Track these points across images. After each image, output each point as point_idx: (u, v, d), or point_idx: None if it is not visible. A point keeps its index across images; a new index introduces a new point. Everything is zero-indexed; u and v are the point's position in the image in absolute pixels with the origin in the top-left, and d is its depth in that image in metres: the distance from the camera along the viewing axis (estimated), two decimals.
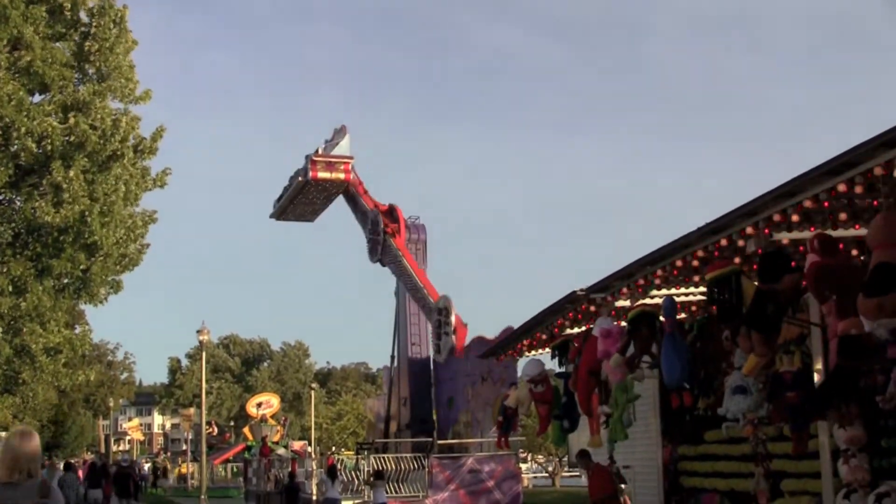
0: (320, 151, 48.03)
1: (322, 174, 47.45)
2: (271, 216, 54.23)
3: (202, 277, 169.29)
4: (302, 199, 50.50)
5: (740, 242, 10.74)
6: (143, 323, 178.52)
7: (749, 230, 10.44)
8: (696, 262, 11.85)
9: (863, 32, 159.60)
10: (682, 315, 15.94)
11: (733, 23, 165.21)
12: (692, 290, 13.98)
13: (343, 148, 48.01)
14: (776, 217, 9.98)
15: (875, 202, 9.29)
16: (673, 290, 13.79)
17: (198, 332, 45.54)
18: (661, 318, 13.37)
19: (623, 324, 15.17)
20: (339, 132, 48.73)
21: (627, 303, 14.52)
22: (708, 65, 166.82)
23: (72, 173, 25.16)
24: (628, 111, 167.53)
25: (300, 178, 48.43)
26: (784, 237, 10.69)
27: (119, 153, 26.20)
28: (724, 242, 11.04)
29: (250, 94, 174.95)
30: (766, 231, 10.29)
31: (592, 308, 15.03)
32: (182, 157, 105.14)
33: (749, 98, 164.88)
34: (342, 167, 47.64)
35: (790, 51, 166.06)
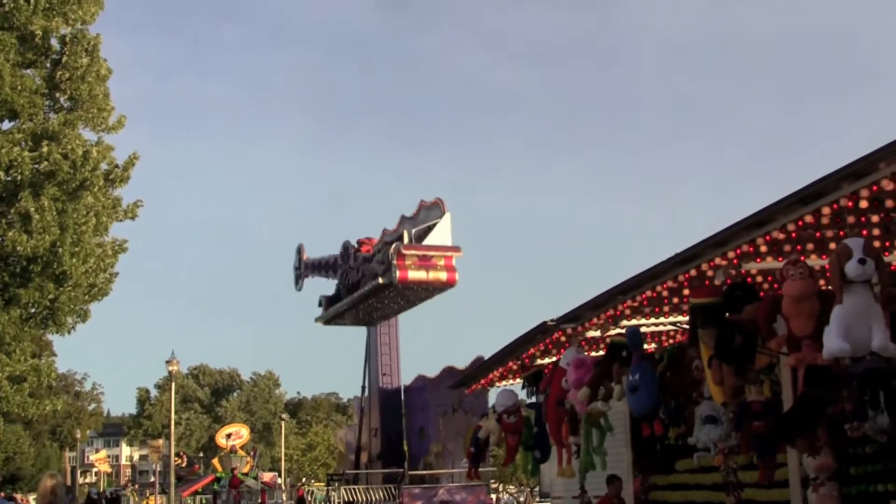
0: (406, 240, 35.95)
1: (414, 274, 35.59)
2: (317, 320, 44.10)
3: (171, 307, 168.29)
4: (373, 304, 39.10)
5: (709, 273, 10.84)
6: (111, 353, 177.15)
7: (718, 261, 10.54)
8: (665, 293, 11.95)
9: (834, 58, 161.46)
10: (653, 345, 16.03)
11: (704, 48, 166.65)
12: (662, 319, 14.05)
13: (442, 233, 36.05)
14: (745, 247, 10.08)
15: (841, 233, 9.41)
16: (643, 321, 13.86)
17: (167, 362, 45.28)
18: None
19: (594, 354, 15.25)
20: (432, 208, 36.72)
21: (598, 333, 14.59)
22: (678, 91, 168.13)
23: (43, 203, 25.01)
24: (599, 138, 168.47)
25: (380, 280, 36.35)
26: (753, 267, 10.80)
27: (90, 182, 26.07)
28: (693, 273, 11.13)
29: (220, 120, 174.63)
30: (735, 261, 10.41)
31: (563, 338, 15.07)
32: (152, 184, 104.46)
33: (721, 124, 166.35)
34: (443, 262, 35.90)
35: (762, 76, 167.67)
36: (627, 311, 12.99)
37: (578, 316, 14.15)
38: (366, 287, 38.04)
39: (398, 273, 35.53)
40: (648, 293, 12.16)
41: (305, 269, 45.54)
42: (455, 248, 36.24)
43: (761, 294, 11.02)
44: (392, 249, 36.12)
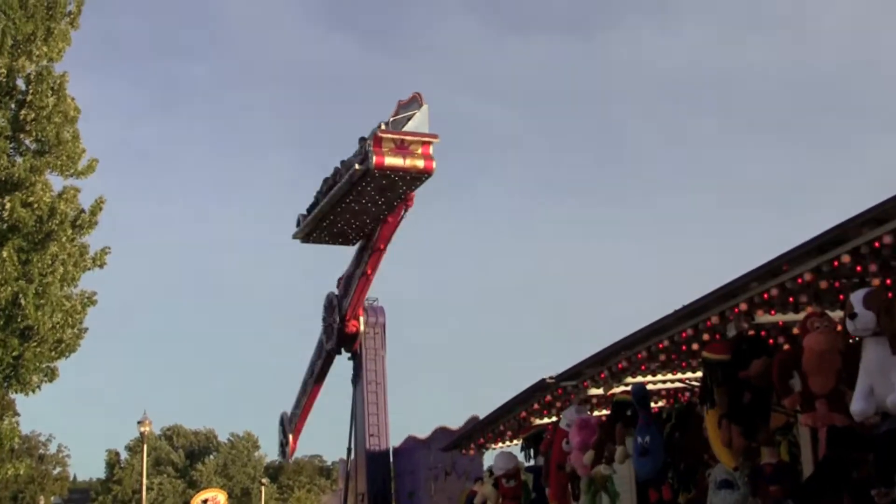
0: (384, 127, 37.21)
1: (391, 160, 36.57)
2: (295, 236, 44.15)
3: (143, 363, 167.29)
4: (349, 205, 39.53)
5: (719, 325, 10.75)
6: (78, 413, 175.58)
7: (729, 312, 10.46)
8: (672, 347, 11.86)
9: (846, 96, 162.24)
10: (660, 403, 15.91)
11: (704, 88, 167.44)
12: (669, 376, 13.96)
13: (419, 123, 37.35)
14: (758, 298, 10.01)
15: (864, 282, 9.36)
16: (649, 377, 13.77)
17: (139, 422, 44.85)
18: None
19: (596, 413, 15.13)
20: (411, 102, 38.25)
21: (600, 391, 14.48)
22: (677, 132, 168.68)
23: (4, 254, 24.90)
24: (594, 183, 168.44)
25: (356, 167, 37.26)
26: (766, 320, 10.71)
27: (55, 232, 25.99)
28: (702, 326, 11.05)
29: (193, 163, 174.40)
30: (747, 313, 10.32)
31: (563, 397, 14.98)
32: (122, 232, 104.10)
33: (725, 166, 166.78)
34: (420, 150, 37.14)
35: (767, 116, 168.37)
36: (632, 368, 12.90)
37: (579, 373, 14.07)
38: (342, 179, 38.51)
39: (374, 158, 36.22)
40: (654, 348, 12.06)
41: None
42: (432, 135, 37.23)
43: (773, 347, 10.93)
44: (369, 135, 37.01)
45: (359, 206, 39.25)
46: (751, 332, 10.67)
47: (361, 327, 42.53)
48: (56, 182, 27.20)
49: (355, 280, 42.53)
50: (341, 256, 44.20)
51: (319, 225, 41.78)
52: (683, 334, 11.39)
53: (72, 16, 27.38)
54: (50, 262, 26.20)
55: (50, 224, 25.74)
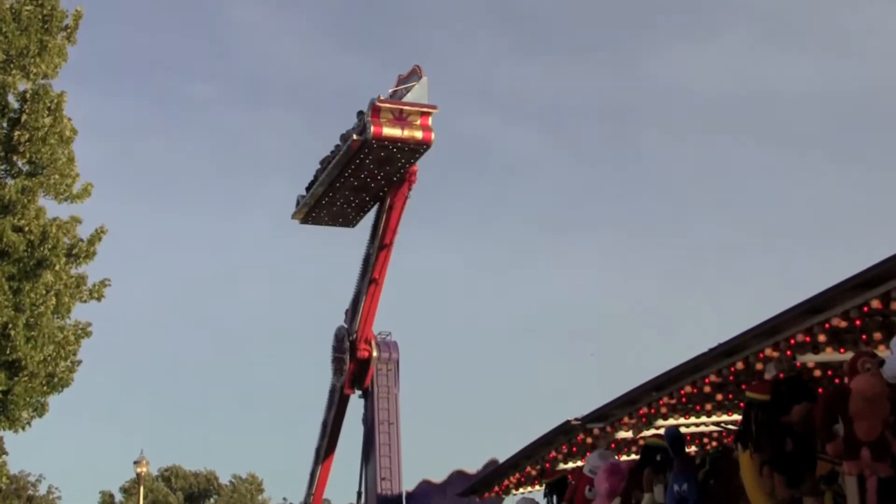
0: (383, 98, 38.59)
1: (389, 130, 37.79)
2: (294, 217, 44.67)
3: (141, 399, 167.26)
4: (348, 181, 40.41)
5: (759, 366, 10.65)
6: (71, 451, 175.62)
7: (769, 352, 10.34)
8: (707, 388, 11.75)
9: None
10: (693, 448, 15.76)
11: (739, 110, 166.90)
12: (703, 419, 13.82)
13: (419, 94, 38.70)
14: (800, 337, 9.89)
15: None
16: (682, 420, 13.64)
17: (135, 462, 44.82)
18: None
19: (624, 458, 15.00)
20: (411, 76, 39.61)
21: (629, 434, 14.37)
22: (711, 156, 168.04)
23: None
24: (623, 212, 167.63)
25: (354, 138, 38.32)
26: (810, 359, 10.60)
27: (49, 261, 25.97)
28: (740, 366, 10.94)
29: (194, 184, 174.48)
30: (789, 353, 10.21)
31: (589, 440, 14.86)
32: (119, 256, 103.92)
33: (761, 195, 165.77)
34: (419, 121, 38.37)
35: (808, 140, 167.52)
36: (664, 410, 12.78)
37: (607, 414, 13.95)
38: (340, 152, 39.36)
39: (372, 128, 37.30)
40: (688, 388, 11.96)
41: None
42: (431, 106, 38.36)
43: (816, 390, 10.79)
44: (367, 107, 38.14)
45: (358, 181, 40.22)
46: (792, 374, 10.54)
47: (374, 352, 42.47)
48: (51, 206, 27.29)
49: (364, 292, 42.57)
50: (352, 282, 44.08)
51: (318, 203, 42.32)
52: (718, 375, 11.28)
53: (68, 30, 27.43)
54: (43, 291, 26.19)
55: (42, 250, 25.74)
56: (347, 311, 44.11)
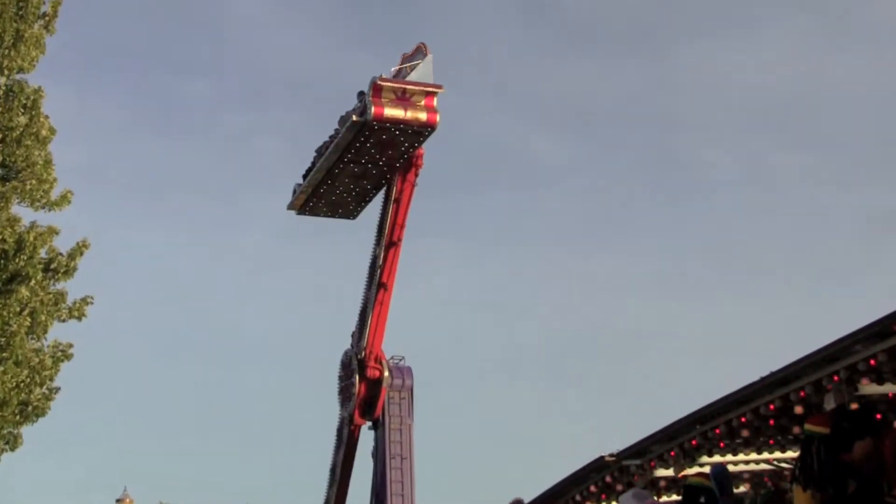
0: (385, 76, 39.00)
1: (391, 111, 38.20)
2: (290, 207, 44.39)
3: (126, 430, 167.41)
4: (348, 167, 40.67)
5: (817, 397, 10.59)
6: (48, 487, 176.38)
7: (828, 381, 10.29)
8: (758, 421, 11.70)
9: None
10: (741, 487, 15.70)
11: (783, 115, 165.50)
12: (754, 455, 13.79)
13: (423, 73, 39.19)
14: (863, 365, 9.83)
15: None
16: (729, 457, 13.59)
17: (118, 501, 45.06)
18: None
19: (663, 500, 14.93)
20: (415, 54, 40.17)
21: (669, 472, 14.33)
22: (757, 164, 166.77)
23: None
24: (657, 225, 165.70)
25: (353, 118, 38.67)
26: (874, 391, 10.53)
27: (25, 273, 25.99)
28: (794, 397, 10.89)
29: (185, 189, 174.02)
30: (850, 382, 10.15)
31: (624, 477, 14.83)
32: (102, 271, 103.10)
33: (809, 206, 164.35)
34: (423, 102, 38.78)
35: (857, 147, 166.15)
36: (707, 445, 12.73)
37: (645, 450, 13.91)
38: (339, 135, 39.43)
39: (373, 109, 37.61)
40: (735, 422, 11.89)
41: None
42: (437, 86, 38.74)
43: (882, 424, 10.67)
44: (368, 85, 38.46)
45: (358, 167, 40.35)
46: (854, 406, 10.46)
47: (385, 372, 41.93)
48: (26, 215, 27.31)
49: (372, 301, 42.03)
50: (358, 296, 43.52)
51: (316, 192, 42.28)
52: (771, 406, 11.22)
53: (46, 18, 27.39)
54: (17, 308, 26.18)
55: (17, 261, 25.76)
56: (354, 333, 43.54)
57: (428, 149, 40.57)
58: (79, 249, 27.43)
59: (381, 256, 41.67)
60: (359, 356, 42.31)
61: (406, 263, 42.48)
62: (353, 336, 43.56)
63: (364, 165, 40.36)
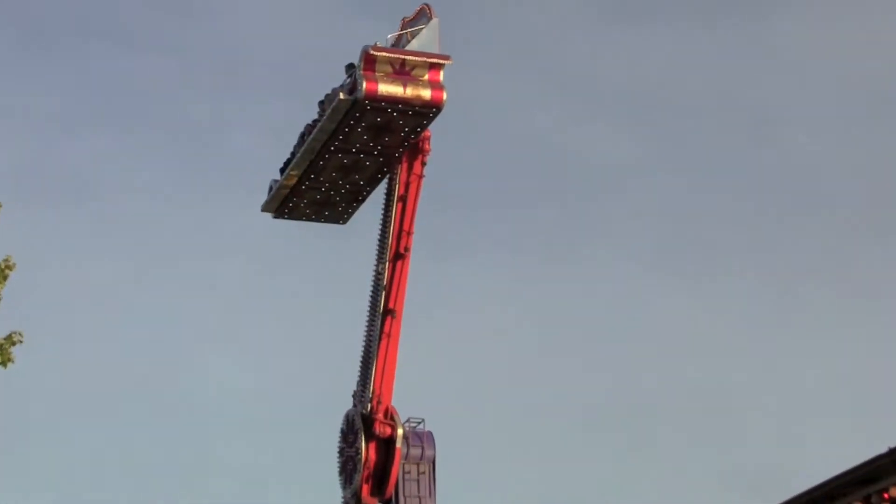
0: (380, 45, 32.84)
1: (387, 87, 31.97)
2: (264, 209, 37.30)
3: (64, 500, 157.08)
4: (335, 157, 34.07)
5: None
6: None
7: None
8: None
9: None
10: None
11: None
12: None
13: (427, 41, 32.98)
14: None
15: None
16: None
17: None
18: None
19: None
20: (418, 17, 33.79)
21: None
22: (871, 155, 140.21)
23: None
24: (745, 239, 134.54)
25: (340, 96, 32.38)
26: None
27: None
28: (876, 499, 10.33)
29: (146, 196, 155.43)
30: None
31: None
32: (34, 301, 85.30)
33: None
34: (426, 76, 32.60)
35: None
36: None
37: None
38: (323, 118, 33.35)
39: (365, 85, 31.73)
40: None
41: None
42: (443, 57, 32.93)
43: None
44: (359, 56, 32.86)
45: (348, 157, 34.29)
46: None
47: (399, 430, 34.42)
48: None
49: (377, 333, 34.91)
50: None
51: (297, 189, 35.69)
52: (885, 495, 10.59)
53: None
54: None
55: None
56: (355, 392, 35.85)
57: (435, 134, 34.53)
58: (2, 272, 21.17)
59: (386, 274, 34.84)
60: (363, 412, 34.74)
61: (418, 286, 36.09)
62: (354, 395, 35.86)
63: (355, 155, 34.20)
